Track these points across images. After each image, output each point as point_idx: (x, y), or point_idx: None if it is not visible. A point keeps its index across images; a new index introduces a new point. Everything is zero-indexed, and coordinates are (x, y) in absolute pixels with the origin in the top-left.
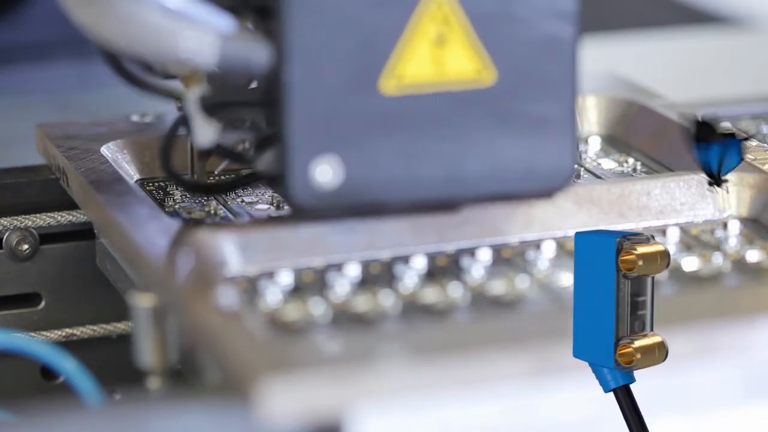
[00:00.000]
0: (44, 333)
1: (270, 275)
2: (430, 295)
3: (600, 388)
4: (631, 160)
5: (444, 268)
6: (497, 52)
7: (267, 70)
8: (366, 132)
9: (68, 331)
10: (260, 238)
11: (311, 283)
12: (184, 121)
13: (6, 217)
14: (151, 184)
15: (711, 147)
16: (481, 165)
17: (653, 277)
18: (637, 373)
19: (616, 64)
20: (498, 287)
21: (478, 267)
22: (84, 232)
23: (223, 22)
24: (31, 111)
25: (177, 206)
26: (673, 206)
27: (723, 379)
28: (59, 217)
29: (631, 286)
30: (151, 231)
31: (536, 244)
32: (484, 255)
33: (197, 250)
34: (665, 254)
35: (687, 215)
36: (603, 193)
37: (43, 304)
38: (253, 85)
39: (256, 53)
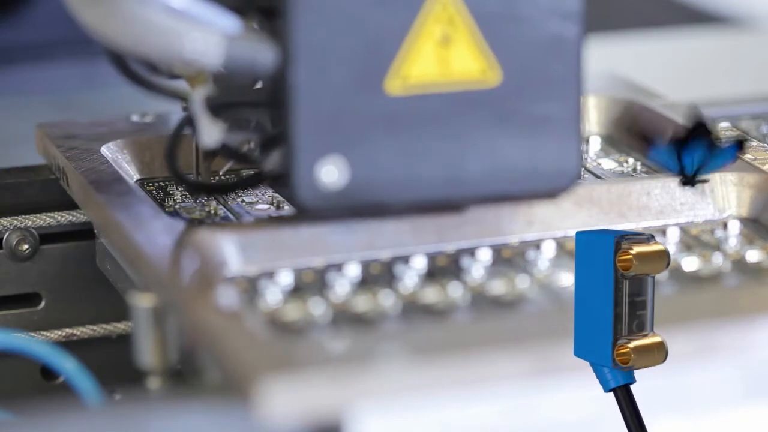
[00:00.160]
0: (44, 333)
1: (270, 275)
2: (430, 295)
3: (600, 388)
4: (631, 160)
5: (444, 268)
6: (502, 52)
7: (272, 71)
8: (371, 132)
9: (68, 331)
10: (260, 238)
11: (311, 283)
12: (189, 121)
13: (6, 217)
14: (151, 184)
15: (694, 147)
16: (487, 165)
17: (653, 278)
18: (637, 373)
19: (616, 64)
20: (498, 287)
21: (478, 267)
22: (84, 232)
23: (228, 22)
24: (31, 111)
25: (177, 206)
26: (673, 206)
27: (723, 379)
28: (59, 217)
29: (630, 286)
30: (151, 231)
31: (536, 244)
32: (484, 255)
33: (197, 250)
34: (664, 254)
35: (687, 215)
36: (603, 193)
37: (43, 304)
38: (259, 85)
39: (262, 54)
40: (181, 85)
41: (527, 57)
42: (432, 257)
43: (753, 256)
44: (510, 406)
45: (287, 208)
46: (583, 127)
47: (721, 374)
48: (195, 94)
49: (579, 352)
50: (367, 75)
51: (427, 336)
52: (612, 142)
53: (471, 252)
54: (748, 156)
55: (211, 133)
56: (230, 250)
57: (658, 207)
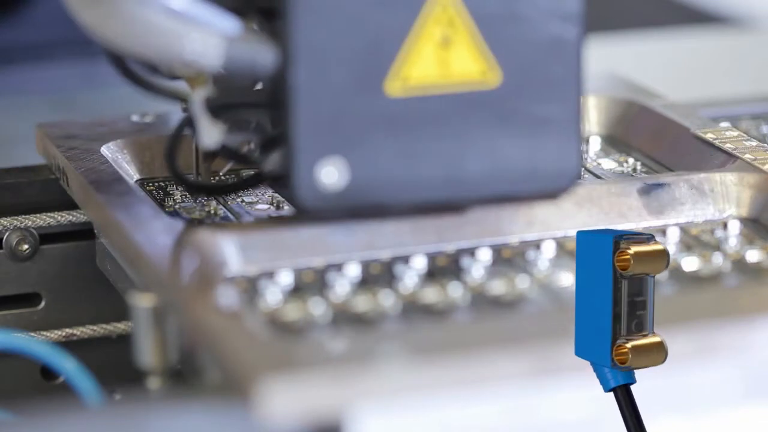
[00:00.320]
0: (44, 333)
1: (270, 275)
2: (430, 295)
3: (600, 388)
4: (631, 160)
5: (444, 268)
6: (502, 54)
7: (272, 72)
8: (371, 133)
9: (68, 331)
10: (260, 238)
11: (311, 283)
12: (189, 122)
13: (6, 217)
14: (151, 184)
15: None
16: (487, 166)
17: (653, 278)
18: (637, 373)
19: (616, 64)
20: (498, 287)
21: (478, 267)
22: (84, 232)
23: (228, 23)
24: (31, 111)
25: (177, 206)
26: (673, 206)
27: (723, 379)
28: (59, 217)
29: (630, 286)
30: (151, 231)
31: (536, 244)
32: (484, 255)
33: (197, 250)
34: (663, 254)
35: (687, 215)
36: (603, 193)
37: (43, 304)
38: (258, 86)
39: (262, 55)
40: (180, 86)
41: (527, 58)
42: (432, 257)
43: (753, 256)
44: (510, 406)
45: (287, 208)
46: (583, 127)
47: (721, 374)
48: (195, 95)
49: (580, 352)
50: (367, 76)
51: (427, 336)
52: (612, 142)
53: (471, 252)
54: (748, 156)
55: (211, 134)
56: (230, 250)
57: (658, 207)
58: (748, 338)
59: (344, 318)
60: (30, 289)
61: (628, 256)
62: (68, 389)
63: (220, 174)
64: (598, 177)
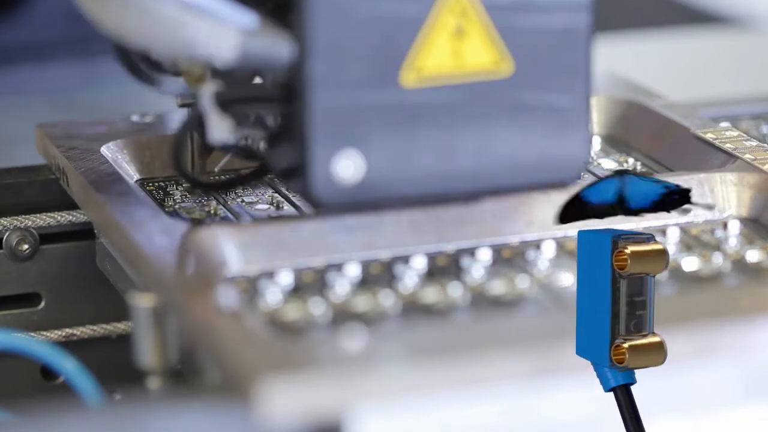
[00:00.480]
0: (44, 333)
1: (270, 275)
2: (430, 295)
3: (600, 388)
4: (631, 160)
5: (444, 268)
6: (514, 43)
7: (288, 66)
8: (386, 125)
9: (68, 331)
10: (260, 238)
11: (311, 283)
12: (197, 118)
13: (6, 217)
14: (151, 184)
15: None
16: (500, 156)
17: (653, 278)
18: (637, 373)
19: (616, 64)
20: (498, 287)
21: (478, 267)
22: (84, 232)
23: (244, 17)
24: (31, 111)
25: (177, 206)
26: None
27: (723, 379)
28: (59, 217)
29: (630, 286)
30: (151, 231)
31: (536, 244)
32: (484, 255)
33: (197, 250)
34: (662, 253)
35: (687, 215)
36: None
37: (43, 304)
38: (257, 80)
39: (278, 48)
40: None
41: (538, 48)
42: (432, 257)
43: (753, 256)
44: (510, 406)
45: (287, 208)
46: (590, 117)
47: (721, 374)
48: (204, 90)
49: (580, 351)
50: (382, 68)
51: (427, 336)
52: (612, 142)
53: (471, 252)
54: (748, 156)
55: (220, 128)
56: (230, 250)
57: None
58: (748, 338)
59: (344, 318)
60: (30, 289)
61: (625, 256)
62: (68, 389)
63: (215, 171)
64: (598, 177)
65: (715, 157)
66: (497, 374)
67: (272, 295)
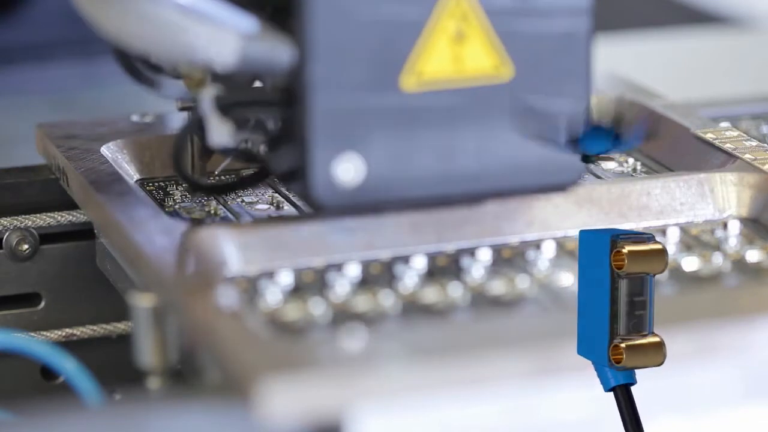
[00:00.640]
0: (44, 333)
1: (270, 275)
2: (430, 295)
3: (600, 388)
4: (631, 160)
5: (444, 268)
6: (514, 48)
7: (288, 69)
8: (386, 129)
9: (68, 331)
10: (260, 238)
11: (311, 283)
12: (197, 121)
13: (6, 217)
14: (151, 184)
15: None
16: (500, 160)
17: (653, 278)
18: (637, 373)
19: (616, 64)
20: (498, 287)
21: (478, 267)
22: (84, 232)
23: (244, 21)
24: (31, 111)
25: (177, 206)
26: (673, 206)
27: (723, 379)
28: (59, 217)
29: (630, 286)
30: (151, 231)
31: (536, 244)
32: (484, 255)
33: (197, 250)
34: (660, 253)
35: (687, 215)
36: (603, 193)
37: (43, 304)
38: (257, 83)
39: (278, 53)
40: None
41: (538, 52)
42: (432, 257)
43: (753, 256)
44: (510, 406)
45: (287, 208)
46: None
47: (721, 374)
48: (204, 94)
49: (582, 351)
50: (382, 72)
51: (427, 336)
52: None
53: (471, 252)
54: (748, 156)
55: (221, 132)
56: (230, 250)
57: (658, 207)
58: (748, 338)
59: (344, 318)
60: (30, 289)
61: (623, 255)
62: (68, 389)
63: (216, 173)
64: (598, 177)
65: (715, 157)
66: (497, 374)
67: (272, 295)
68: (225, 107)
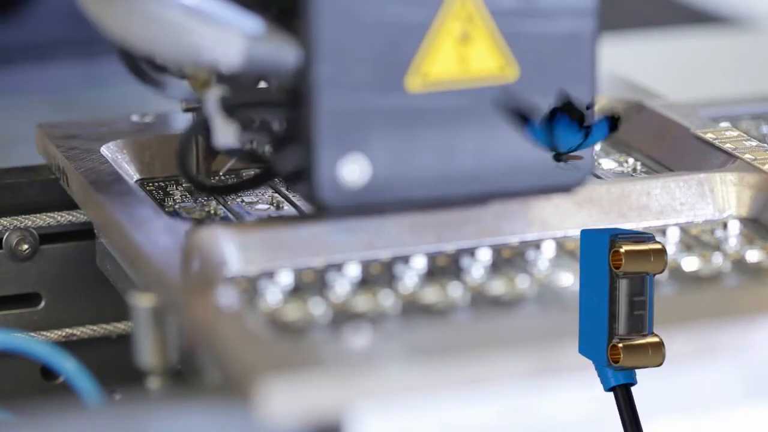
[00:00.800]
0: (44, 333)
1: (270, 275)
2: (430, 295)
3: (600, 388)
4: (631, 160)
5: (444, 268)
6: (519, 49)
7: (293, 70)
8: (392, 130)
9: (68, 331)
10: (260, 238)
11: (311, 283)
12: (202, 122)
13: (6, 217)
14: (151, 184)
15: (565, 125)
16: (505, 161)
17: (653, 278)
18: (637, 373)
19: (616, 64)
20: (498, 287)
21: (478, 267)
22: (84, 232)
23: (249, 22)
24: (31, 111)
25: (177, 206)
26: (673, 206)
27: (723, 379)
28: (59, 217)
29: (629, 286)
30: (151, 231)
31: (536, 244)
32: (484, 255)
33: (197, 250)
34: (659, 253)
35: (687, 215)
36: (603, 193)
37: (43, 304)
38: (262, 84)
39: (284, 53)
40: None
41: (543, 53)
42: (432, 257)
43: (753, 256)
44: (510, 406)
45: (287, 208)
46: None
47: (721, 374)
48: (209, 95)
49: (583, 351)
50: (387, 72)
51: (427, 336)
52: (612, 142)
53: (471, 252)
54: (748, 156)
55: (226, 133)
56: (230, 250)
57: (658, 207)
58: (748, 338)
59: (344, 318)
60: (30, 289)
61: (620, 255)
62: (68, 389)
63: (220, 173)
64: (598, 177)
65: (715, 157)
66: (497, 374)
67: (272, 295)
68: (230, 108)
